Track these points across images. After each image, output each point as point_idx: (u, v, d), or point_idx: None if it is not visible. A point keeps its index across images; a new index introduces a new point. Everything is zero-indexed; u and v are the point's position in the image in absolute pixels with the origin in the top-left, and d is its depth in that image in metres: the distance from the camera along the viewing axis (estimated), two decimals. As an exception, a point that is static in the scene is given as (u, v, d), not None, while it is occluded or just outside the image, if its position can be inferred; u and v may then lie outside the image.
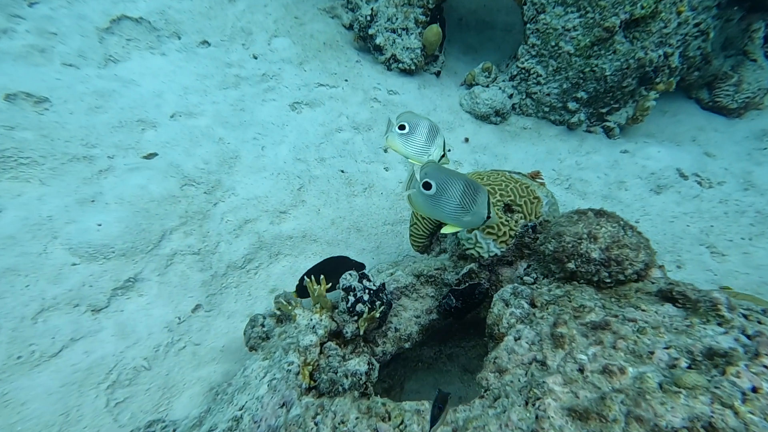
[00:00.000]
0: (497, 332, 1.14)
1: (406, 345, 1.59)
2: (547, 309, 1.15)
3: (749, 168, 2.74)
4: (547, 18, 2.85)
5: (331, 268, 1.73)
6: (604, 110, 3.12)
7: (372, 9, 3.33)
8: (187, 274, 1.77)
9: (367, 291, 1.43)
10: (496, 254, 1.53)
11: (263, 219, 2.24)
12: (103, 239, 1.74)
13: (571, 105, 3.12)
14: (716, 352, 0.83)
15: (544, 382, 0.90)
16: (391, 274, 1.78)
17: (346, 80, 3.32)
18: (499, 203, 1.54)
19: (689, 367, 0.85)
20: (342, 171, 2.78)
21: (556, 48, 2.93)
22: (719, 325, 0.94)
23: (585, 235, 1.27)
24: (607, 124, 3.16)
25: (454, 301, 1.54)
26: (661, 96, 3.20)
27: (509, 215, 1.54)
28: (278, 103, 2.99)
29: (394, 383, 1.87)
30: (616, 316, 1.05)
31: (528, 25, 2.98)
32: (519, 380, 0.98)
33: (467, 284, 1.55)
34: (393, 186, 2.84)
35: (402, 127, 1.47)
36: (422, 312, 1.67)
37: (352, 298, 1.42)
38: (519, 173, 1.77)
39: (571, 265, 1.28)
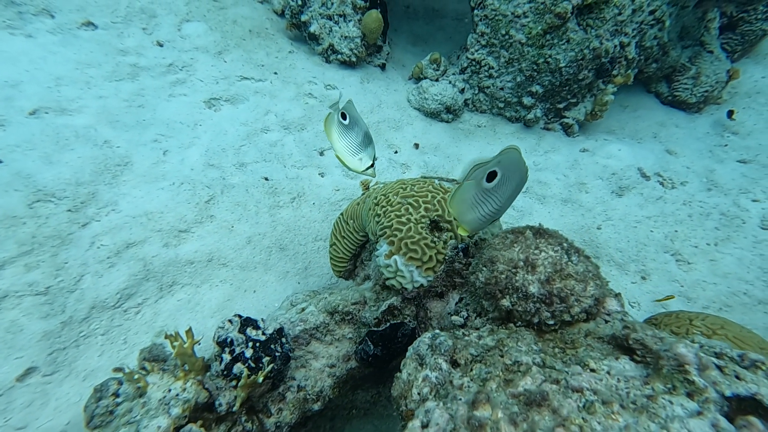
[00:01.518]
0: (405, 409, 0.85)
1: (316, 406, 1.28)
2: (471, 371, 0.87)
3: (711, 166, 2.65)
4: (495, 3, 2.65)
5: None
6: (561, 105, 2.96)
7: (304, -9, 3.01)
8: (19, 325, 1.36)
9: (250, 344, 1.11)
10: (422, 284, 1.25)
11: (153, 241, 1.85)
12: None
13: (527, 100, 2.93)
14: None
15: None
16: (302, 310, 1.46)
17: (276, 73, 2.98)
18: (423, 220, 1.26)
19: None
20: (266, 178, 2.43)
21: (507, 37, 2.73)
22: (689, 396, 0.70)
23: (521, 263, 1.01)
24: (566, 120, 3.00)
25: (372, 347, 1.24)
26: (620, 90, 3.08)
27: (436, 234, 1.26)
28: (190, 98, 2.60)
29: (315, 445, 1.55)
30: (557, 382, 0.78)
31: (476, 11, 2.76)
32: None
33: (388, 325, 1.26)
34: (328, 194, 2.52)
35: (343, 116, 1.26)
36: (338, 359, 1.36)
37: (227, 357, 1.09)
38: (453, 180, 1.51)
39: (505, 302, 1.01)
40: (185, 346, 1.01)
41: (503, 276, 1.02)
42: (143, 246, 1.79)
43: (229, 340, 1.06)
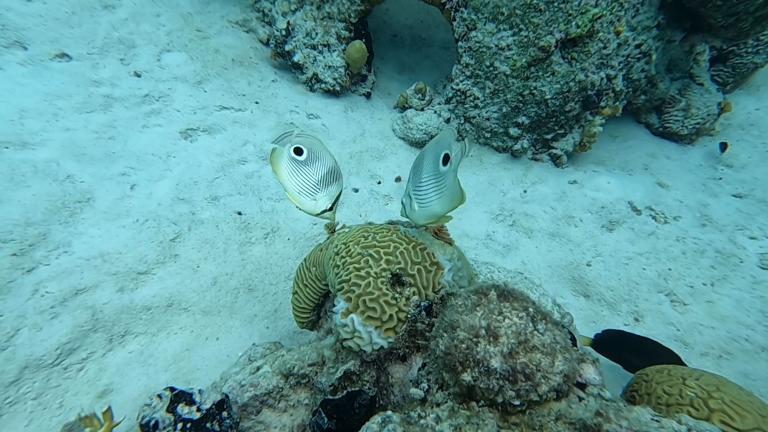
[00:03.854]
0: None
1: (262, 485, 1.15)
2: (419, 468, 0.75)
3: (705, 200, 2.58)
4: (479, 35, 2.65)
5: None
6: (548, 136, 2.93)
7: (288, 22, 3.03)
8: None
9: (180, 425, 0.99)
10: (381, 346, 1.14)
11: (107, 285, 1.75)
12: None
13: (513, 131, 2.90)
14: None
15: None
16: (257, 369, 1.34)
17: (257, 102, 2.95)
18: (384, 274, 1.17)
19: None
20: (239, 213, 2.35)
21: (491, 68, 2.72)
22: None
23: (483, 331, 0.91)
24: (554, 151, 2.96)
25: (325, 420, 1.12)
26: (610, 121, 3.06)
27: (398, 290, 1.16)
28: (164, 129, 2.56)
29: None
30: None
31: (460, 43, 2.77)
32: None
33: (344, 393, 1.14)
34: (304, 228, 2.44)
35: (299, 152, 1.15)
36: (292, 430, 1.23)
37: (153, 437, 0.97)
38: (422, 226, 1.42)
39: (466, 377, 0.91)
40: (100, 431, 0.89)
41: (464, 345, 0.92)
42: (94, 292, 1.69)
43: (153, 422, 0.94)
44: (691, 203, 2.59)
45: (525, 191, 2.82)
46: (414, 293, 1.17)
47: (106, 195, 2.10)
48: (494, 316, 0.93)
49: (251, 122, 2.84)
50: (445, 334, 0.98)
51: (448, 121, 3.08)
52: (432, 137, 3.15)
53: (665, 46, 2.70)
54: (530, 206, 2.74)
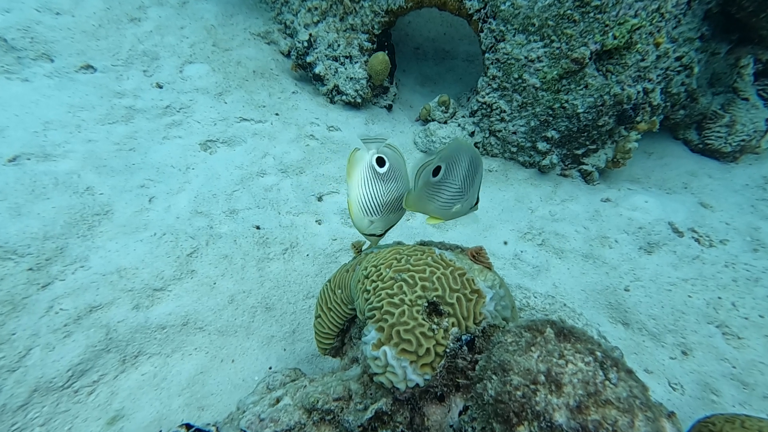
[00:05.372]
0: None
1: None
2: None
3: (756, 223, 2.41)
4: (508, 47, 2.58)
5: None
6: (579, 152, 2.81)
7: (310, 34, 3.03)
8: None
9: (195, 464, 0.90)
10: (417, 384, 1.03)
11: (122, 303, 1.69)
12: None
13: (541, 146, 2.79)
14: None
15: None
16: (276, 401, 1.25)
17: (277, 114, 2.93)
18: (420, 301, 1.07)
19: None
20: (257, 227, 2.30)
21: (519, 81, 2.64)
22: None
23: (542, 377, 0.80)
24: (584, 167, 2.84)
25: (352, 464, 1.02)
26: (644, 136, 2.93)
27: (435, 320, 1.06)
28: (184, 141, 2.55)
29: None
30: None
31: (487, 55, 2.70)
32: None
33: (374, 434, 1.04)
34: (324, 244, 2.36)
35: (381, 162, 1.06)
36: (313, 470, 1.13)
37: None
38: (457, 247, 1.33)
39: (523, 431, 0.79)
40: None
41: (519, 393, 0.81)
42: (109, 309, 1.63)
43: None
44: (740, 226, 2.42)
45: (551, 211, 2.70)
46: (453, 324, 1.06)
47: (125, 208, 2.07)
48: (554, 360, 0.82)
49: (271, 134, 2.81)
50: (494, 377, 0.87)
51: (472, 134, 2.99)
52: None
53: (708, 59, 2.58)
54: (561, 225, 2.61)
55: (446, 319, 1.07)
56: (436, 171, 1.09)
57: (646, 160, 3.04)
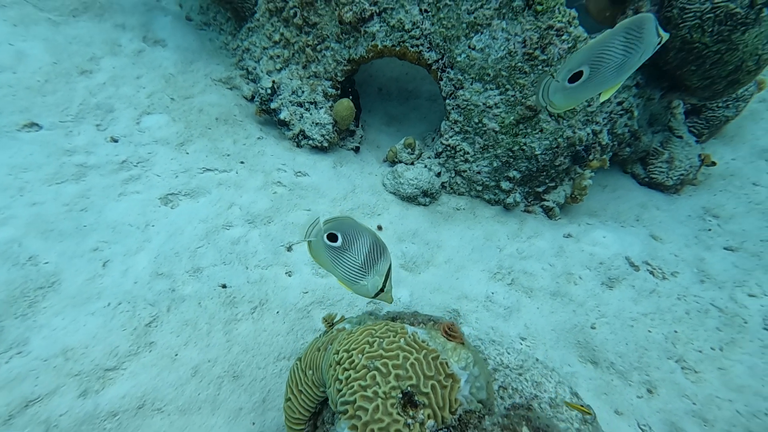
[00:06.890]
0: None
1: None
2: None
3: (700, 254, 2.59)
4: (467, 94, 2.68)
5: None
6: (540, 189, 2.92)
7: (273, 81, 3.01)
8: None
9: None
10: (394, 482, 0.99)
11: (67, 390, 1.54)
12: None
13: (505, 184, 2.88)
14: None
15: None
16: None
17: (242, 162, 2.86)
18: (394, 393, 1.04)
19: None
20: (223, 286, 2.19)
21: (480, 125, 2.73)
22: None
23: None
24: (546, 203, 2.95)
25: None
26: (598, 171, 3.10)
27: (411, 413, 1.03)
28: (143, 195, 2.42)
29: None
30: None
31: (447, 101, 2.79)
32: None
33: None
34: (295, 298, 2.29)
35: (333, 238, 1.14)
36: None
37: None
38: (429, 320, 1.31)
39: None
40: None
41: (496, 503, 0.79)
42: (50, 400, 1.47)
43: None
44: (687, 257, 2.58)
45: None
46: (429, 416, 1.03)
47: (75, 276, 1.91)
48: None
49: (237, 183, 2.73)
50: (471, 483, 0.84)
51: (438, 174, 3.05)
52: (423, 192, 3.11)
53: (645, 103, 2.79)
54: (528, 263, 2.68)
55: (422, 411, 1.04)
56: (576, 76, 1.17)
57: (601, 193, 3.21)
